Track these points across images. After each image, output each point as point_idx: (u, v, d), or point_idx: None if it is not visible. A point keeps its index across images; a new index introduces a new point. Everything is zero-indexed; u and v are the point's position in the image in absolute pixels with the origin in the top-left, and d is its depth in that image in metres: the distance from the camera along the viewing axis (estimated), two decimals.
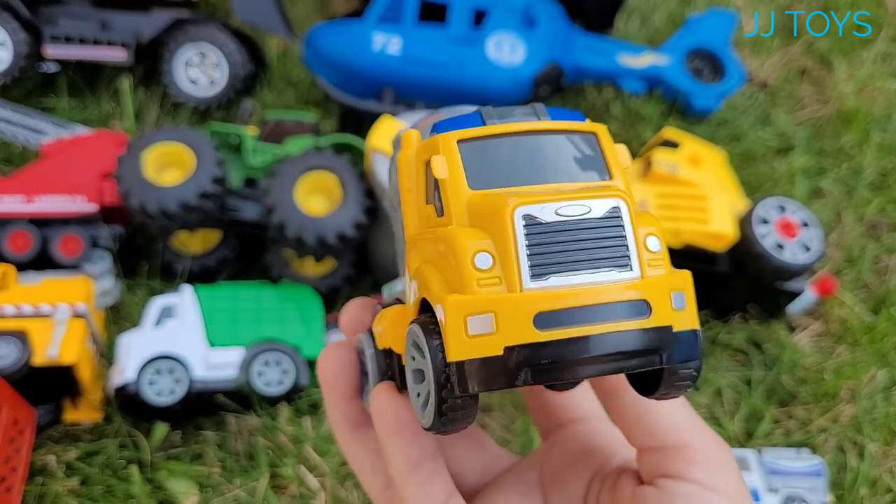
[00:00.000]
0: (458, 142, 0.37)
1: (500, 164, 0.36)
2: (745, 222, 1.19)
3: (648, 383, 0.37)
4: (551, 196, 0.34)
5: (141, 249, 1.27)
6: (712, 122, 1.56)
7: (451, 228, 0.35)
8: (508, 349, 0.32)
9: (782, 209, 1.20)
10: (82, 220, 1.21)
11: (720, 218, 1.18)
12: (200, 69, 1.44)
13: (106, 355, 1.14)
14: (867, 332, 1.27)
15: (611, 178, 0.37)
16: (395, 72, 1.37)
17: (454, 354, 0.32)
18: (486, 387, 0.32)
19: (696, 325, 0.34)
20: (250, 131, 1.26)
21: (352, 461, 0.44)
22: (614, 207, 0.34)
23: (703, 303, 1.26)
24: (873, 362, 1.23)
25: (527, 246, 0.33)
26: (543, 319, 0.32)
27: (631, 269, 0.33)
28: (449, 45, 1.37)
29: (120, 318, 1.21)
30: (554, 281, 0.33)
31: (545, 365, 0.32)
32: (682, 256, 1.21)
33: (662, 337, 0.33)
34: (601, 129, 0.38)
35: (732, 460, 0.39)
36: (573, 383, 0.44)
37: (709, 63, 1.57)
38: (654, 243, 0.34)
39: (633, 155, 1.42)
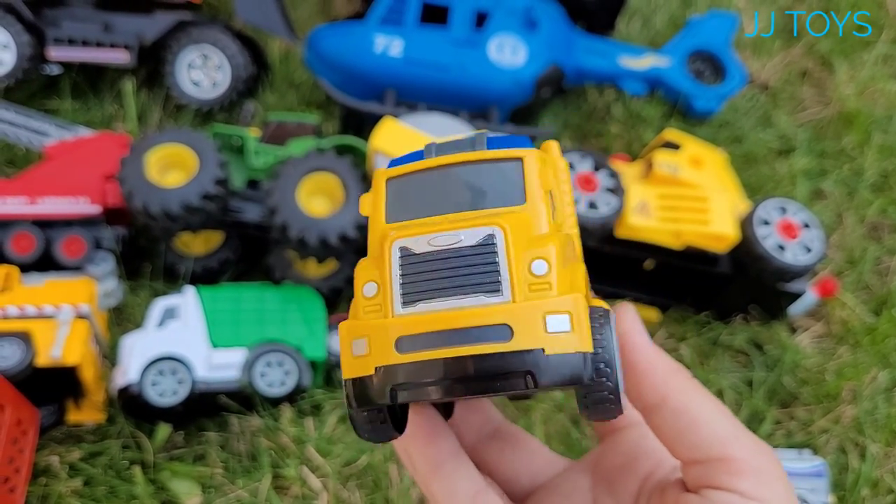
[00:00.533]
0: (387, 179, 0.40)
1: (418, 198, 0.39)
2: (746, 223, 1.19)
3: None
4: (428, 228, 0.36)
5: (144, 251, 1.28)
6: (713, 124, 1.56)
7: (361, 259, 0.38)
8: (377, 369, 0.35)
9: (783, 210, 1.20)
10: (85, 222, 1.21)
11: (721, 219, 1.18)
12: (203, 71, 1.45)
13: (109, 356, 1.15)
14: (868, 334, 1.28)
15: (525, 202, 0.37)
16: (396, 73, 1.38)
17: (344, 373, 0.37)
18: (362, 403, 0.36)
19: (584, 348, 0.34)
20: (252, 133, 1.26)
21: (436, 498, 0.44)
22: (489, 235, 0.35)
23: (704, 304, 1.27)
24: (875, 363, 1.23)
25: (400, 275, 0.36)
26: (404, 343, 0.34)
27: (501, 294, 0.35)
28: (450, 46, 1.38)
29: (123, 319, 1.21)
30: (422, 307, 0.35)
31: (404, 385, 0.34)
32: (684, 258, 1.21)
33: (529, 360, 0.34)
34: (528, 154, 0.38)
35: (778, 469, 0.39)
36: (527, 396, 0.46)
37: (710, 65, 1.58)
38: (540, 267, 0.35)
39: (635, 157, 1.43)
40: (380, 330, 0.35)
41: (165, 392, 1.05)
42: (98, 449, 1.07)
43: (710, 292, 1.25)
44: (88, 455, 1.06)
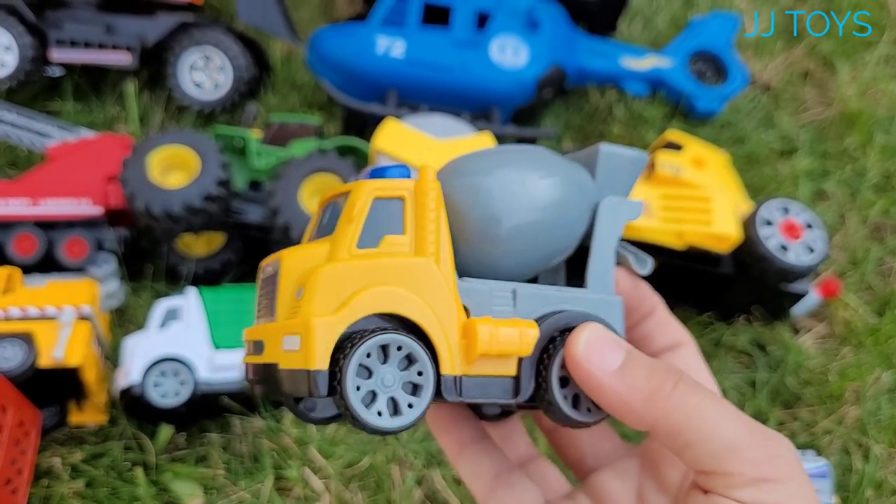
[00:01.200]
0: (320, 205, 0.46)
1: (319, 222, 0.45)
2: (748, 224, 1.19)
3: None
4: (269, 258, 0.44)
5: (145, 252, 1.28)
6: (716, 125, 1.56)
7: None
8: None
9: (786, 211, 1.20)
10: (87, 223, 1.21)
11: (724, 220, 1.18)
12: (205, 73, 1.45)
13: (111, 357, 1.15)
14: (872, 334, 1.27)
15: (333, 232, 0.42)
16: (398, 74, 1.38)
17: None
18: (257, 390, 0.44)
19: (309, 366, 0.37)
20: (255, 134, 1.26)
21: (462, 477, 0.50)
22: (277, 266, 0.42)
23: (707, 304, 1.27)
24: (878, 364, 1.23)
25: (257, 293, 0.46)
26: (248, 347, 0.44)
27: (272, 317, 0.42)
28: (452, 47, 1.38)
29: (125, 320, 1.21)
30: (256, 324, 0.45)
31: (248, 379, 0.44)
32: (686, 258, 1.21)
33: (268, 372, 0.41)
34: (354, 188, 0.42)
35: (792, 475, 0.38)
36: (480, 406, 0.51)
37: (711, 65, 1.58)
38: (299, 293, 0.40)
39: None
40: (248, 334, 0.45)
41: (168, 393, 1.05)
42: (100, 450, 1.07)
43: (713, 293, 1.25)
44: (90, 456, 1.06)
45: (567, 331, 0.44)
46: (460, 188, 0.43)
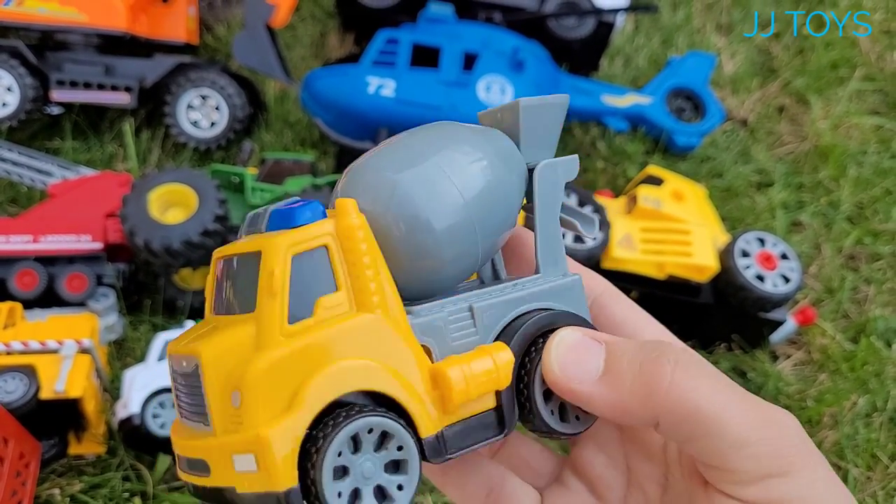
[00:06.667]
0: (216, 260, 0.40)
1: (219, 289, 0.39)
2: (726, 255, 1.23)
3: None
4: (178, 348, 0.37)
5: (143, 286, 1.31)
6: (695, 159, 1.62)
7: None
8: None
9: (762, 242, 1.25)
10: (87, 259, 1.25)
11: (703, 251, 1.23)
12: (201, 111, 1.49)
13: (110, 389, 1.17)
14: (848, 360, 1.32)
15: (255, 307, 0.35)
16: (389, 113, 1.43)
17: None
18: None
19: (274, 487, 0.32)
20: (251, 171, 1.30)
21: (453, 501, 0.45)
22: (195, 365, 0.34)
23: (688, 333, 1.31)
24: (854, 389, 1.27)
25: (174, 392, 0.38)
26: (180, 461, 0.37)
27: (208, 427, 0.34)
28: (441, 87, 1.43)
29: (123, 353, 1.24)
30: (184, 423, 0.37)
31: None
32: (667, 288, 1.25)
33: (226, 496, 0.34)
34: (267, 245, 0.35)
35: (805, 464, 0.35)
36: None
37: (690, 102, 1.64)
38: (235, 398, 0.33)
39: (619, 192, 1.48)
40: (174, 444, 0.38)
41: (166, 424, 1.07)
42: (99, 481, 1.09)
43: (694, 322, 1.29)
44: (89, 487, 1.08)
45: (540, 337, 0.40)
46: (373, 200, 0.37)
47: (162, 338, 1.16)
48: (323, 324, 0.35)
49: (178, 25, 1.56)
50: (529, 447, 0.47)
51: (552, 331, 0.40)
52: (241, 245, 0.37)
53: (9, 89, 1.43)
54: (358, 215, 0.36)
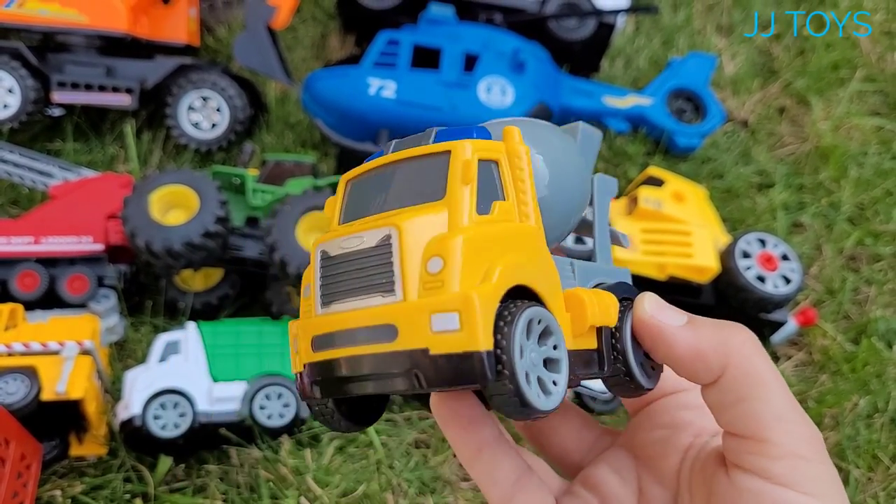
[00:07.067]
0: (347, 181, 0.41)
1: (364, 199, 0.40)
2: (727, 256, 1.24)
3: None
4: (341, 231, 0.38)
5: (145, 287, 1.31)
6: (696, 160, 1.62)
7: None
8: (304, 366, 0.38)
9: (763, 243, 1.25)
10: (88, 260, 1.25)
11: (703, 252, 1.23)
12: (202, 113, 1.50)
13: (111, 391, 1.17)
14: (848, 361, 1.32)
15: (444, 195, 0.37)
16: (390, 114, 1.43)
17: (292, 367, 0.39)
18: (304, 395, 0.38)
19: (476, 347, 0.32)
20: (252, 173, 1.30)
21: (478, 481, 0.45)
22: (386, 236, 0.36)
23: None
24: (855, 390, 1.27)
25: (320, 277, 0.38)
26: (317, 342, 0.37)
27: (394, 294, 0.35)
28: (442, 88, 1.43)
29: (124, 354, 1.24)
30: (335, 307, 0.37)
31: (319, 381, 0.37)
32: (668, 289, 1.25)
33: (414, 360, 0.33)
34: (456, 147, 0.37)
35: (822, 456, 0.38)
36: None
37: (691, 103, 1.64)
38: (435, 264, 0.34)
39: (619, 193, 1.48)
40: (303, 329, 0.37)
41: (167, 425, 1.08)
42: (100, 482, 1.09)
43: None
44: (90, 488, 1.08)
45: (624, 300, 0.43)
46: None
47: (163, 339, 1.16)
48: (503, 222, 0.37)
49: (179, 27, 1.56)
50: (539, 464, 0.48)
51: (629, 299, 0.44)
52: (411, 151, 0.39)
53: (10, 91, 1.43)
54: (522, 144, 0.39)
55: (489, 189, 0.37)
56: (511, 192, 0.38)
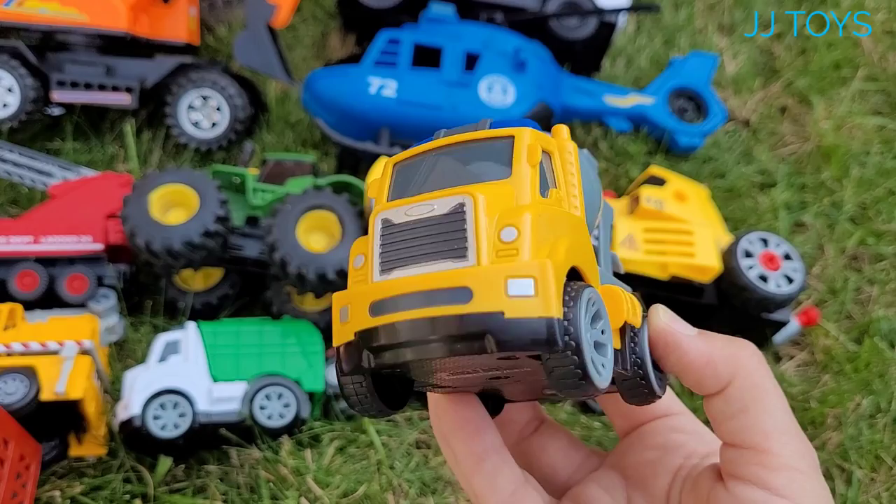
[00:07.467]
0: (394, 164, 0.42)
1: (417, 179, 0.41)
2: (729, 255, 1.23)
3: None
4: (407, 200, 0.38)
5: (144, 287, 1.30)
6: (697, 159, 1.61)
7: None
8: (356, 334, 0.37)
9: (765, 243, 1.25)
10: (88, 260, 1.24)
11: (705, 252, 1.23)
12: (202, 112, 1.49)
13: (110, 391, 1.17)
14: (851, 361, 1.31)
15: (510, 175, 0.38)
16: (391, 113, 1.42)
17: (334, 341, 0.38)
18: (350, 366, 0.37)
19: (549, 313, 0.33)
20: (252, 172, 1.30)
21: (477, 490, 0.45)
22: (459, 204, 0.37)
23: None
24: (858, 390, 1.27)
25: (380, 245, 0.38)
26: (376, 307, 0.36)
27: (466, 259, 0.35)
28: (443, 87, 1.43)
29: (124, 354, 1.23)
30: (397, 273, 0.36)
31: (377, 347, 0.36)
32: (670, 289, 1.25)
33: (488, 322, 0.33)
34: (520, 132, 0.39)
35: (815, 472, 0.40)
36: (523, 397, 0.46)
37: (692, 103, 1.64)
38: (509, 233, 0.35)
39: (621, 192, 1.47)
40: (358, 296, 0.37)
41: (167, 425, 1.07)
42: (99, 483, 1.09)
43: (697, 322, 1.28)
44: (90, 489, 1.08)
45: None
46: None
47: (163, 339, 1.15)
48: (560, 206, 0.39)
49: (179, 26, 1.55)
50: (530, 478, 0.48)
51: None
52: (468, 136, 0.40)
53: (9, 90, 1.43)
54: (570, 140, 0.41)
55: (545, 176, 0.39)
56: (562, 182, 0.40)
